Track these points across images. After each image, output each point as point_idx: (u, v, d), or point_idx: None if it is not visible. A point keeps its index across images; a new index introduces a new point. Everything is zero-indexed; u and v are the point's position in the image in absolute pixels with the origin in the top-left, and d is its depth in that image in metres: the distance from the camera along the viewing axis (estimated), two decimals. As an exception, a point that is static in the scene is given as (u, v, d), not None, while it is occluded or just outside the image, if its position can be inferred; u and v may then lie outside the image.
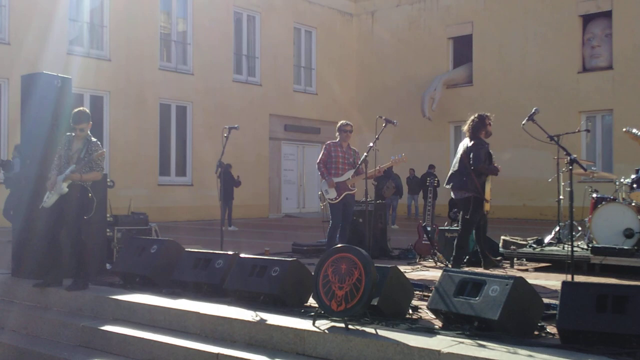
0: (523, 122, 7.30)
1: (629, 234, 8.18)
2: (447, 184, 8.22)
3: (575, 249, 7.43)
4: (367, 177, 8.12)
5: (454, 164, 8.17)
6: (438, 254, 9.10)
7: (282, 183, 23.63)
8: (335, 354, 4.75)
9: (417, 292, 6.03)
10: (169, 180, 20.28)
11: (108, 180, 8.22)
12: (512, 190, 19.45)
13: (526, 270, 8.48)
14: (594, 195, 9.28)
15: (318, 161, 8.83)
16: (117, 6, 18.92)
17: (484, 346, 4.34)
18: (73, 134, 6.96)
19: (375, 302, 5.10)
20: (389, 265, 5.51)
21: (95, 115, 7.79)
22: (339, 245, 5.54)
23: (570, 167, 6.76)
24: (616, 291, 4.44)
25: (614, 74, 19.70)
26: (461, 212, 8.14)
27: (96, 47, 18.85)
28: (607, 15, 19.98)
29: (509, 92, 21.18)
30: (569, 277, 6.48)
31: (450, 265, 8.06)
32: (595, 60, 20.33)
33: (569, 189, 6.81)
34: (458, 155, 8.10)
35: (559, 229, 9.72)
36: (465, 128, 8.15)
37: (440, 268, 8.11)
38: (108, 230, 8.34)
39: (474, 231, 8.47)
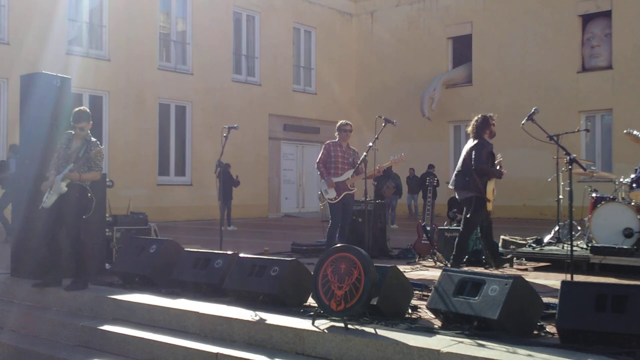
0: (522, 122, 7.30)
1: (628, 233, 8.18)
2: (450, 185, 8.21)
3: (574, 248, 7.42)
4: (367, 177, 8.12)
5: (458, 164, 8.16)
6: (437, 253, 9.10)
7: (281, 183, 23.63)
8: (334, 353, 4.75)
9: (417, 292, 6.03)
10: (168, 180, 20.28)
11: (107, 180, 8.21)
12: (511, 189, 19.45)
13: (525, 269, 8.48)
14: (594, 194, 9.28)
15: (317, 161, 8.82)
16: (117, 6, 18.91)
17: (483, 346, 4.33)
18: (72, 133, 6.96)
19: (374, 301, 5.10)
20: (389, 265, 5.51)
21: (94, 115, 7.77)
22: (339, 245, 5.54)
23: (570, 167, 6.76)
24: (615, 291, 4.44)
25: (614, 73, 19.71)
26: (463, 212, 8.13)
27: (95, 47, 18.84)
28: (607, 15, 19.98)
29: (508, 92, 21.19)
30: (568, 277, 6.48)
31: (449, 265, 8.05)
32: (595, 60, 20.34)
33: (568, 189, 6.81)
34: (462, 155, 8.09)
35: (559, 229, 9.72)
36: (469, 129, 8.14)
37: (439, 268, 8.10)
38: (107, 230, 8.34)
39: (477, 231, 8.48)
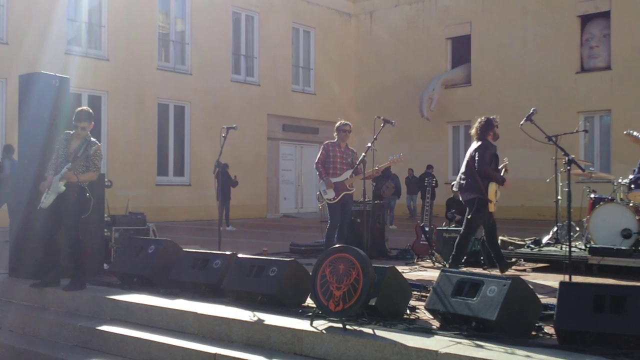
0: (521, 123, 7.30)
1: (626, 234, 8.18)
2: (455, 187, 8.20)
3: (573, 249, 7.43)
4: (366, 177, 8.12)
5: (462, 167, 8.14)
6: (436, 254, 9.10)
7: (280, 183, 23.62)
8: (332, 354, 4.75)
9: (415, 293, 6.03)
10: (167, 180, 20.27)
11: (106, 180, 8.21)
12: (510, 190, 19.29)
13: (524, 270, 8.48)
14: (592, 195, 9.28)
15: (316, 161, 8.82)
16: (116, 6, 18.90)
17: (481, 346, 4.34)
18: (71, 132, 6.95)
19: (373, 302, 5.10)
20: (387, 266, 5.51)
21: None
22: (337, 245, 5.54)
23: (569, 168, 6.76)
24: (614, 291, 4.44)
25: (612, 74, 19.72)
26: (465, 213, 8.11)
27: (94, 47, 18.83)
28: (606, 15, 20.00)
29: (507, 93, 21.20)
30: (566, 278, 6.48)
31: (448, 265, 8.05)
32: (594, 61, 20.35)
33: (567, 190, 6.81)
34: (466, 157, 8.07)
35: (557, 229, 9.73)
36: (472, 131, 8.12)
37: (438, 268, 8.10)
38: (106, 230, 8.34)
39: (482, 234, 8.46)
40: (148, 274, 6.91)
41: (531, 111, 7.31)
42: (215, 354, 5.11)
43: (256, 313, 5.50)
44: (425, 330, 4.83)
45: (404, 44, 24.27)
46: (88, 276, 7.15)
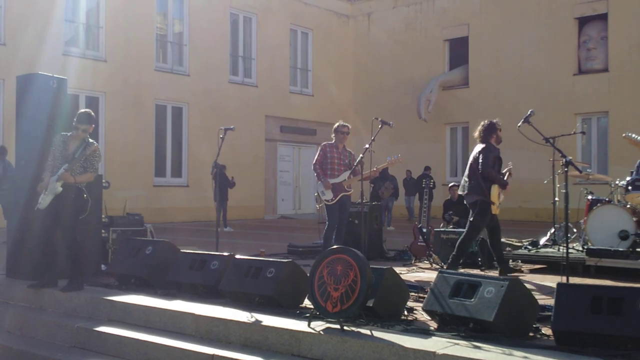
0: (519, 124, 7.31)
1: (624, 235, 8.20)
2: (460, 190, 8.19)
3: (570, 250, 7.44)
4: (363, 178, 8.12)
5: (466, 170, 8.15)
6: (434, 255, 9.10)
7: (277, 184, 23.62)
8: (330, 355, 4.75)
9: (413, 294, 6.04)
10: (164, 181, 20.26)
11: (103, 181, 8.20)
12: (507, 191, 19.45)
13: (522, 271, 8.49)
14: (589, 197, 9.30)
15: (314, 162, 8.82)
16: (113, 7, 18.89)
17: (479, 347, 4.34)
18: (69, 134, 6.94)
19: (370, 303, 5.11)
20: (385, 267, 5.52)
21: (91, 116, 7.73)
22: (335, 246, 5.54)
23: (566, 169, 6.77)
24: (611, 293, 4.45)
25: (610, 76, 19.76)
26: (469, 216, 8.10)
27: (92, 48, 18.82)
28: (603, 17, 20.03)
29: (504, 94, 21.22)
30: (564, 279, 6.48)
31: (446, 266, 8.06)
32: (591, 63, 20.39)
33: (564, 191, 6.82)
34: (470, 160, 8.07)
35: (554, 231, 9.74)
36: (476, 134, 8.12)
37: (435, 269, 8.10)
38: (103, 231, 8.33)
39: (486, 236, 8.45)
40: (146, 274, 6.91)
41: (529, 113, 7.32)
42: (213, 355, 5.11)
43: (254, 314, 5.50)
44: (423, 331, 4.83)
45: (402, 46, 24.29)
46: (86, 277, 7.13)
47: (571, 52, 20.52)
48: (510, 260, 8.76)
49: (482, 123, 8.10)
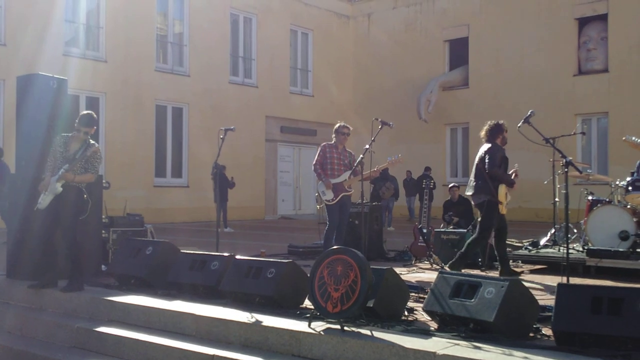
0: (519, 125, 7.31)
1: (624, 236, 8.20)
2: (467, 191, 8.17)
3: (570, 251, 7.43)
4: (364, 178, 8.13)
5: (472, 172, 8.13)
6: (434, 256, 9.10)
7: (278, 185, 23.62)
8: (330, 355, 4.75)
9: (413, 294, 6.04)
10: (164, 181, 20.26)
11: (104, 181, 8.21)
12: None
13: (522, 272, 8.48)
14: (590, 197, 9.30)
15: (314, 163, 8.83)
16: (114, 7, 18.90)
17: (479, 348, 4.34)
18: (70, 135, 6.94)
19: (370, 303, 5.11)
20: (385, 267, 5.52)
21: (91, 116, 7.72)
22: (335, 247, 5.54)
23: (566, 170, 6.77)
24: (611, 293, 4.45)
25: (610, 76, 19.76)
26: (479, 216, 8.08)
27: (92, 49, 18.82)
28: (603, 18, 20.04)
29: (505, 95, 21.22)
30: (564, 279, 6.48)
31: (448, 265, 8.07)
32: (591, 63, 20.39)
33: (564, 191, 6.82)
34: (476, 160, 8.06)
35: (555, 231, 9.75)
36: (482, 133, 8.11)
37: (436, 270, 8.11)
38: (103, 231, 8.33)
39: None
40: (146, 275, 6.91)
41: (529, 113, 7.33)
42: (213, 356, 5.11)
43: (254, 314, 5.50)
44: (423, 331, 4.83)
45: (402, 46, 24.29)
46: (86, 277, 7.13)
47: (571, 52, 20.53)
48: (511, 261, 8.75)
49: (488, 123, 8.09)
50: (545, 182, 10.20)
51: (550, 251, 9.13)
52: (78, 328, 6.14)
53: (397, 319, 5.23)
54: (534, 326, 4.84)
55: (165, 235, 11.69)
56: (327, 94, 24.61)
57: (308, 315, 5.24)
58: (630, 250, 8.05)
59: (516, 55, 21.42)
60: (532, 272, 8.58)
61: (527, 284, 5.18)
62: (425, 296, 5.40)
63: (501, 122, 8.10)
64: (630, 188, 8.56)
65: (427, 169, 19.69)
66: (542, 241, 9.81)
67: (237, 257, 6.52)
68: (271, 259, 6.90)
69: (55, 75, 7.79)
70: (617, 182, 9.16)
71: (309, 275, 5.33)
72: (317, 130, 23.83)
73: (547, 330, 4.76)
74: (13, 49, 16.61)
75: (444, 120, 23.07)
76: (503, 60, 21.69)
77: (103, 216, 8.31)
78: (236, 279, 6.09)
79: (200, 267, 6.59)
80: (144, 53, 19.51)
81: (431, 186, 10.55)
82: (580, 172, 8.00)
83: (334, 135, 8.85)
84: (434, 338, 4.65)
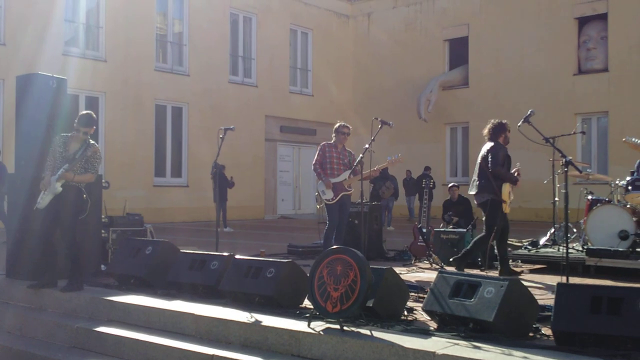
0: (519, 124, 7.31)
1: (624, 235, 8.19)
2: (470, 191, 8.16)
3: (570, 250, 7.44)
4: (364, 177, 8.13)
5: (474, 171, 8.13)
6: (433, 255, 9.10)
7: (277, 184, 23.62)
8: (330, 355, 4.75)
9: (413, 294, 6.04)
10: (164, 181, 20.26)
11: (103, 181, 8.20)
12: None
13: (522, 272, 8.48)
14: (589, 197, 9.30)
15: (314, 162, 8.83)
16: (113, 7, 18.89)
17: (479, 347, 4.34)
18: (69, 135, 6.94)
19: (370, 303, 5.11)
20: (385, 267, 5.52)
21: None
22: (335, 246, 5.54)
23: (566, 169, 6.77)
24: (611, 293, 4.45)
25: (610, 76, 19.76)
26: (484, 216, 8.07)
27: (92, 48, 18.82)
28: (603, 17, 20.03)
29: (504, 94, 21.22)
30: (564, 279, 6.48)
31: (450, 259, 8.09)
32: (591, 63, 20.39)
33: (564, 191, 6.82)
34: (478, 160, 8.05)
35: (554, 231, 9.74)
36: (485, 131, 8.11)
37: (435, 270, 8.10)
38: (103, 231, 8.33)
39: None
40: (145, 275, 6.91)
41: (529, 113, 7.32)
42: (212, 355, 5.11)
43: (254, 314, 5.50)
44: (422, 331, 4.83)
45: (402, 46, 24.29)
46: (85, 277, 7.13)
47: (571, 52, 20.52)
48: (510, 261, 8.74)
49: (492, 121, 8.09)
50: (545, 182, 10.20)
51: (549, 251, 9.13)
52: (78, 328, 6.14)
53: (396, 319, 5.23)
54: (534, 326, 4.84)
55: (165, 235, 11.69)
56: (326, 94, 24.61)
57: (307, 315, 5.24)
58: (630, 249, 8.05)
59: (516, 54, 21.42)
60: (532, 271, 8.58)
61: (526, 284, 5.17)
62: (425, 296, 5.40)
63: (504, 121, 8.10)
64: (630, 187, 8.56)
65: (427, 168, 19.69)
66: (542, 241, 9.81)
67: (237, 256, 6.51)
68: (271, 259, 6.90)
69: (54, 75, 7.79)
70: (617, 182, 9.16)
71: (308, 274, 5.33)
72: (316, 130, 23.83)
73: (546, 330, 4.76)
74: (13, 48, 16.61)
75: (444, 120, 23.07)
76: (503, 60, 21.68)
77: (103, 216, 8.31)
78: (236, 278, 6.09)
79: (200, 267, 6.59)
80: (143, 53, 19.50)
81: (431, 186, 10.54)
82: (580, 172, 8.00)
83: (333, 135, 8.85)
84: (433, 338, 4.65)
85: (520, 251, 9.30)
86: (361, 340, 4.65)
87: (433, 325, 5.05)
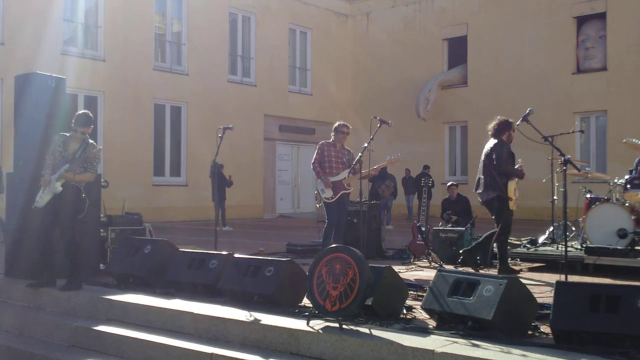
0: (517, 123, 7.32)
1: (622, 234, 8.20)
2: (475, 189, 8.14)
3: (569, 249, 7.43)
4: (363, 176, 8.12)
5: (479, 169, 8.11)
6: (432, 254, 9.11)
7: (276, 183, 23.63)
8: (329, 353, 4.75)
9: (412, 292, 6.04)
10: (163, 180, 20.26)
11: (102, 180, 8.20)
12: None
13: (520, 270, 8.49)
14: (588, 195, 9.31)
15: (313, 161, 8.81)
16: (112, 7, 18.88)
17: (477, 346, 4.34)
18: (68, 135, 6.93)
19: (369, 302, 5.11)
20: (383, 265, 5.52)
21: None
22: (334, 245, 5.54)
23: (564, 168, 6.78)
24: (609, 291, 4.45)
25: (608, 75, 19.77)
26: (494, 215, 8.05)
27: (91, 48, 18.81)
28: (602, 16, 20.04)
29: (503, 93, 21.22)
30: (562, 277, 6.49)
31: (460, 251, 8.13)
32: (590, 62, 20.40)
33: (563, 190, 6.83)
34: (482, 158, 8.04)
35: (553, 229, 9.76)
36: (490, 127, 8.09)
37: (434, 268, 8.11)
38: (102, 230, 8.32)
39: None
40: (144, 274, 6.91)
41: (527, 111, 7.33)
42: (212, 354, 5.11)
43: (253, 313, 5.50)
44: (421, 329, 4.83)
45: (401, 45, 24.29)
46: (84, 276, 7.13)
47: (570, 51, 20.53)
48: (509, 259, 8.74)
49: (498, 118, 8.06)
50: (544, 180, 10.21)
51: (548, 249, 9.13)
52: (76, 327, 6.14)
53: (395, 317, 5.23)
54: (533, 324, 4.84)
55: (164, 234, 11.69)
56: (325, 93, 24.61)
57: (306, 313, 5.24)
58: (629, 247, 8.06)
59: (515, 53, 21.42)
60: (531, 270, 8.58)
61: (525, 282, 5.17)
62: (424, 294, 5.40)
63: (511, 120, 8.08)
64: (628, 186, 8.57)
65: (426, 167, 19.71)
66: (541, 239, 9.83)
67: (236, 255, 6.52)
68: (270, 258, 6.89)
69: (53, 75, 7.79)
70: (616, 180, 9.17)
71: (307, 273, 5.33)
72: (315, 129, 23.84)
73: (545, 328, 4.77)
74: (11, 48, 16.60)
75: (443, 119, 23.07)
76: (502, 59, 21.69)
77: (102, 215, 8.31)
78: (235, 277, 6.09)
79: (199, 266, 6.59)
80: (142, 52, 19.50)
81: (430, 184, 10.56)
82: (579, 170, 8.01)
83: (333, 134, 8.84)
84: (432, 336, 4.65)
85: (519, 249, 9.31)
86: (360, 338, 4.66)
87: (432, 323, 5.06)
